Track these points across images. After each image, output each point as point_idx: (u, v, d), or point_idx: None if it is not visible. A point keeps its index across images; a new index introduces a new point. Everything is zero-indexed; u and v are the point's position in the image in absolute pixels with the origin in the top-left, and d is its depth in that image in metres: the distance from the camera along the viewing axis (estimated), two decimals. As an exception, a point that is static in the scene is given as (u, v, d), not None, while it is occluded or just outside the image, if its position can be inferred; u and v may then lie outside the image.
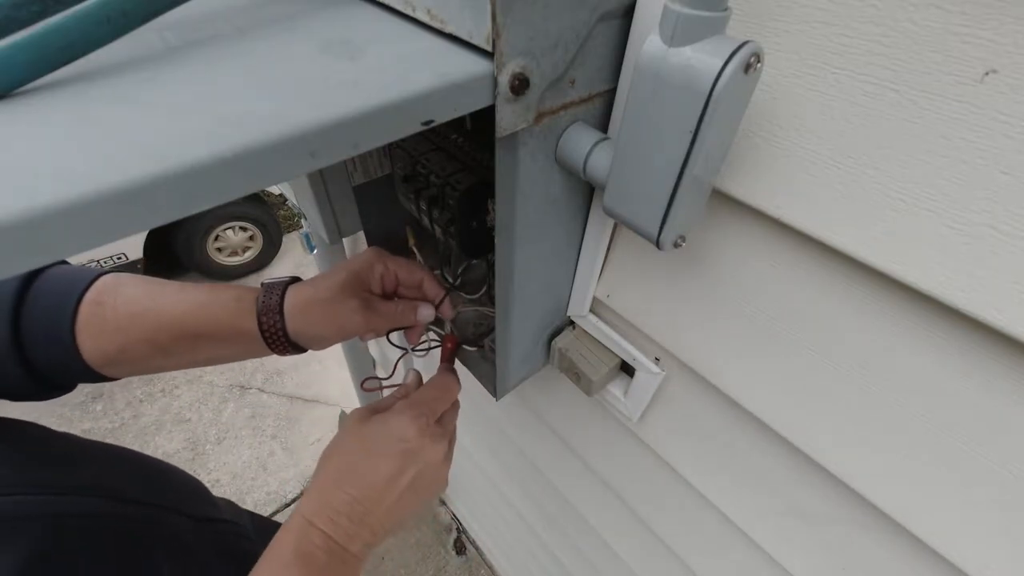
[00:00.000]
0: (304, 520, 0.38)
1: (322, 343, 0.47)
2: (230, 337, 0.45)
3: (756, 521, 0.46)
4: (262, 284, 0.46)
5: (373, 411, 0.44)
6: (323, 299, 0.45)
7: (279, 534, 0.38)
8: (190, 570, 0.46)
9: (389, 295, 0.51)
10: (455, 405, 0.47)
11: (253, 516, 0.65)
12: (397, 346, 0.55)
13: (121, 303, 0.42)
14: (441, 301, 0.51)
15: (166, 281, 0.46)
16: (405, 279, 0.50)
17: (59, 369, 0.43)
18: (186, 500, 0.52)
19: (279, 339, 0.45)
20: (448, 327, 0.56)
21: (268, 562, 0.37)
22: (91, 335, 0.41)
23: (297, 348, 0.47)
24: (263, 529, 0.63)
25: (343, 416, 1.75)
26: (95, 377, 0.44)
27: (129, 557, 0.41)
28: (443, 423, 0.45)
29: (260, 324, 0.44)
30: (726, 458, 0.45)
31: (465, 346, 0.57)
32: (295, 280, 0.48)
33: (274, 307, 0.44)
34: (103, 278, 0.44)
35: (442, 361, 0.53)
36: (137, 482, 0.48)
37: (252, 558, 0.37)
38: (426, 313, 0.50)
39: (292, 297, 0.45)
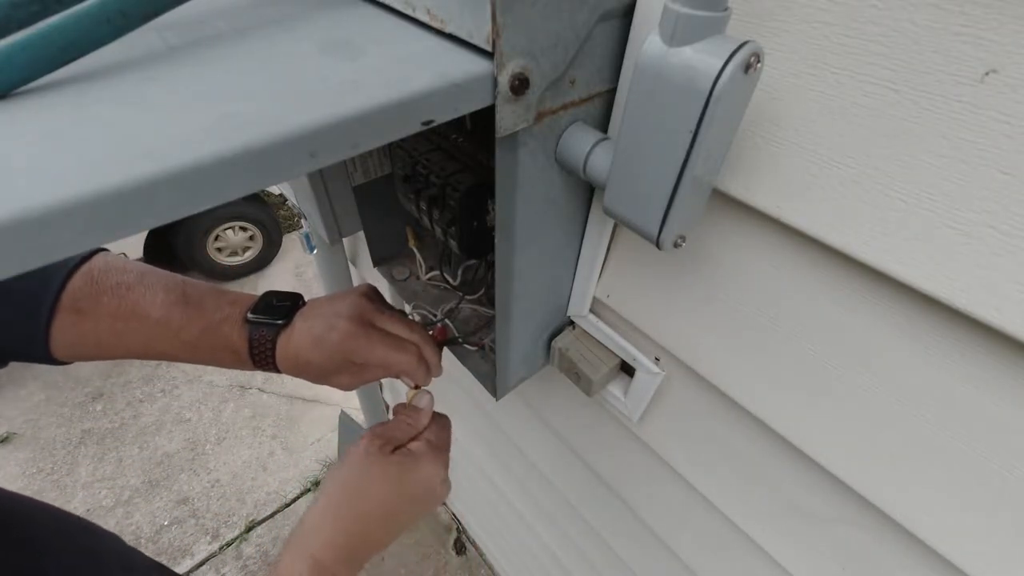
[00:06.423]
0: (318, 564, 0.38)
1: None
2: (219, 366, 0.47)
3: (756, 521, 0.46)
4: (248, 322, 0.44)
5: (385, 440, 0.43)
6: (318, 374, 0.46)
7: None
8: None
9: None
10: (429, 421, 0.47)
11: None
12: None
13: (105, 315, 0.41)
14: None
15: (153, 284, 0.43)
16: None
17: (8, 352, 0.41)
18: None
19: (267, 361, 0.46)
20: (441, 319, 0.55)
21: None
22: (68, 343, 0.41)
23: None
24: None
25: (343, 417, 1.75)
26: (50, 362, 0.43)
27: None
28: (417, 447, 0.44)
29: (252, 353, 0.44)
30: (726, 458, 0.45)
31: (465, 346, 0.57)
32: (287, 323, 0.45)
33: (267, 358, 0.45)
34: (79, 276, 0.41)
35: None
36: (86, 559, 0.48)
37: None
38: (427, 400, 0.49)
39: (284, 350, 0.44)
